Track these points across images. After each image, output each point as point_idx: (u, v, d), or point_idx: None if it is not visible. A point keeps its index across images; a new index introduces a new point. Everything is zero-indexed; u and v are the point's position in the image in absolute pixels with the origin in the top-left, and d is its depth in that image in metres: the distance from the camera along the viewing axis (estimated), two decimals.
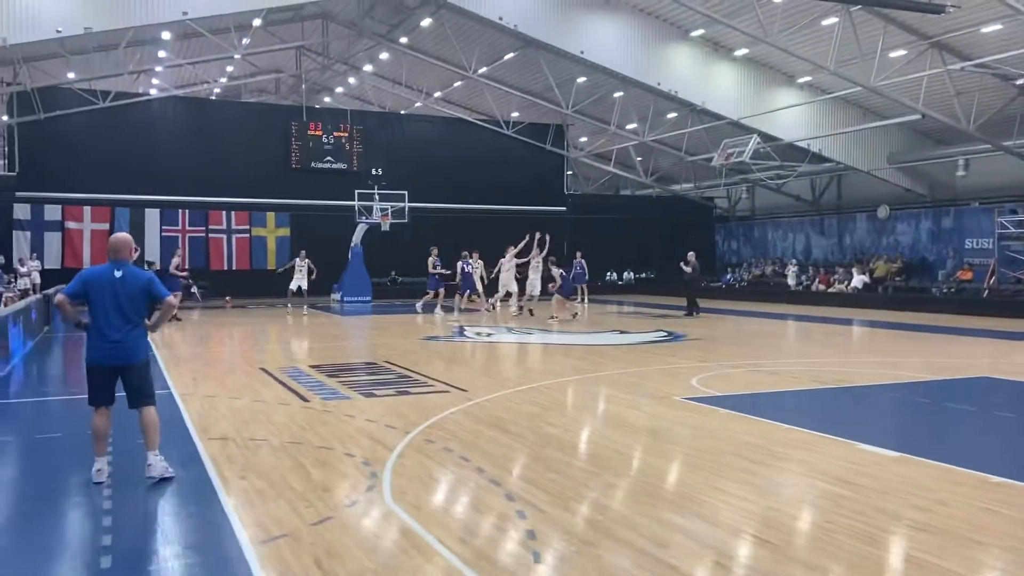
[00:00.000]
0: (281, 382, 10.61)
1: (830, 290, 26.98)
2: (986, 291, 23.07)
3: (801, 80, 26.61)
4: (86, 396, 6.13)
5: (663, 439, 7.18)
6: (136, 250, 20.58)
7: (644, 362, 12.41)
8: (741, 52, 25.92)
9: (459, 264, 22.22)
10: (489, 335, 16.90)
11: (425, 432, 7.54)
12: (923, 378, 10.86)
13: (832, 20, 21.23)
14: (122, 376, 6.06)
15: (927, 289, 25.11)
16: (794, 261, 31.12)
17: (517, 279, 22.01)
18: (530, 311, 21.44)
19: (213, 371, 11.70)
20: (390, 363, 12.48)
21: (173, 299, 6.36)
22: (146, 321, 6.18)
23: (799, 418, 8.09)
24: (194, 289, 23.71)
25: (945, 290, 24.21)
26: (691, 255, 22.27)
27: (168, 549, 4.67)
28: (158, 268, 21.56)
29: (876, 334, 17.50)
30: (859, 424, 8.35)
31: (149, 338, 6.43)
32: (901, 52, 22.04)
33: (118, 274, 5.99)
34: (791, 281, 29.49)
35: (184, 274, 21.41)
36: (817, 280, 28.03)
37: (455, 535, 4.82)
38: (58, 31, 19.29)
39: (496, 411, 8.57)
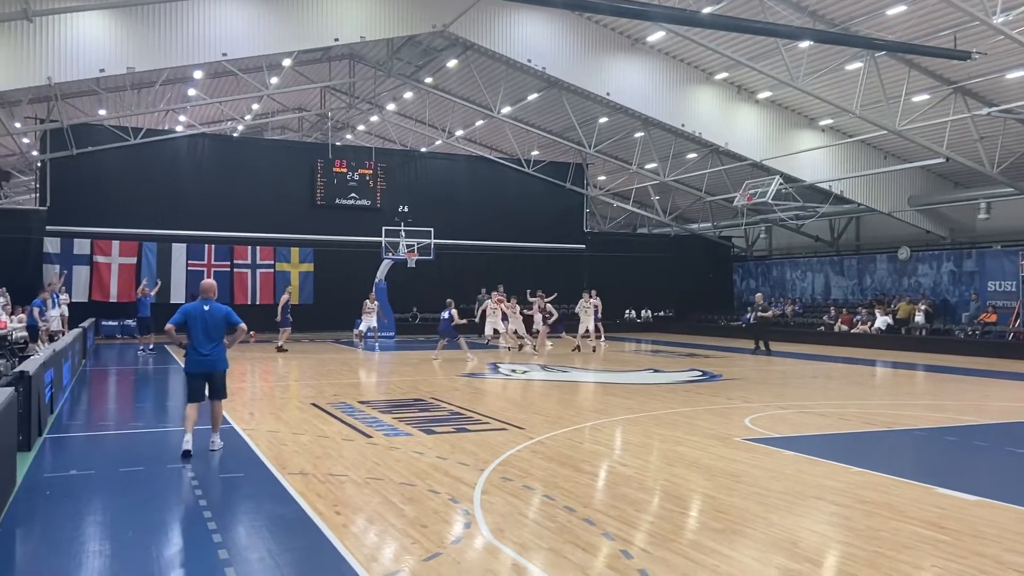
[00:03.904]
0: (337, 417, 10.71)
1: (853, 331, 27.03)
2: (1011, 334, 23.11)
3: (823, 123, 26.94)
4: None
5: (742, 481, 7.24)
6: (158, 283, 21.96)
7: (690, 402, 12.48)
8: (764, 95, 26.30)
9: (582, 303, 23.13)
10: (524, 372, 16.98)
11: (499, 470, 7.63)
12: (973, 421, 10.91)
13: (857, 65, 21.61)
14: (209, 379, 8.47)
15: (951, 331, 25.14)
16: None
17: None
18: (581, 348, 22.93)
19: (266, 406, 11.79)
20: (437, 399, 12.58)
21: (244, 325, 8.71)
22: (224, 341, 8.53)
23: (865, 461, 8.14)
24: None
25: (970, 332, 24.25)
26: (758, 296, 24.61)
27: None
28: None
29: (909, 375, 17.53)
30: (928, 467, 8.42)
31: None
32: (924, 96, 22.38)
33: (206, 308, 8.46)
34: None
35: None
36: (839, 320, 28.07)
37: (571, 574, 4.89)
38: (101, 70, 19.67)
39: (562, 449, 8.65)
